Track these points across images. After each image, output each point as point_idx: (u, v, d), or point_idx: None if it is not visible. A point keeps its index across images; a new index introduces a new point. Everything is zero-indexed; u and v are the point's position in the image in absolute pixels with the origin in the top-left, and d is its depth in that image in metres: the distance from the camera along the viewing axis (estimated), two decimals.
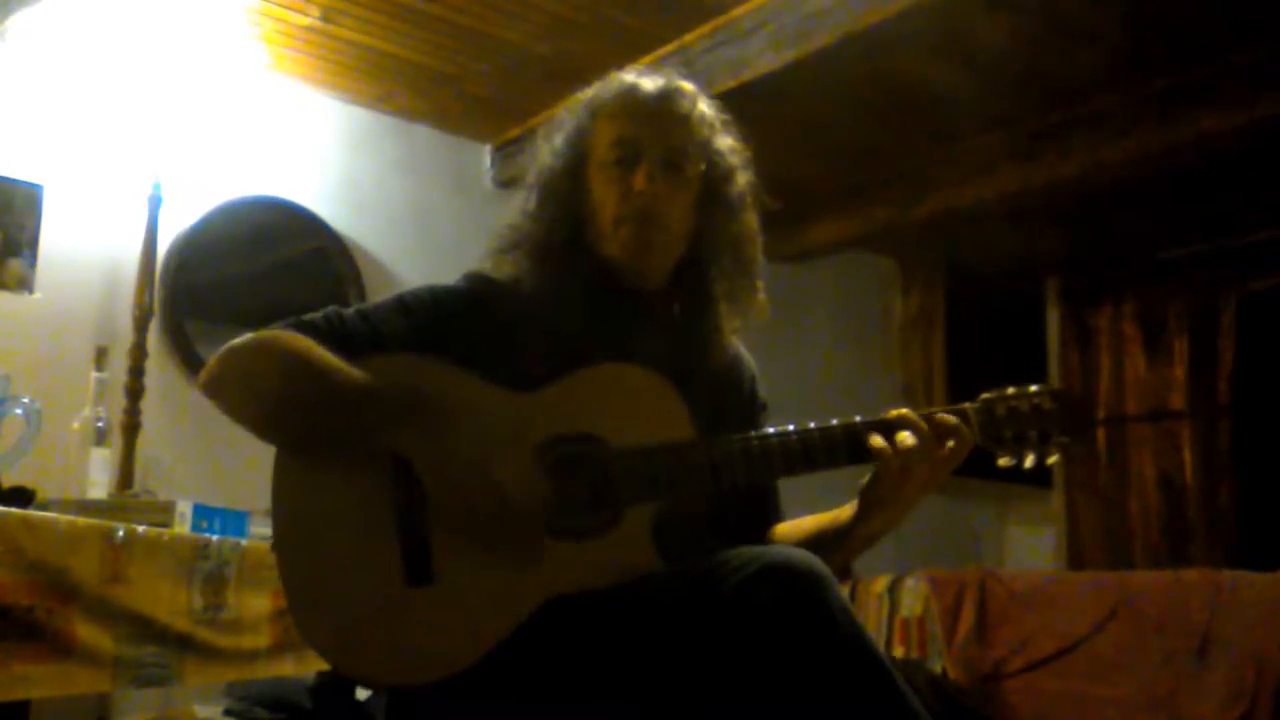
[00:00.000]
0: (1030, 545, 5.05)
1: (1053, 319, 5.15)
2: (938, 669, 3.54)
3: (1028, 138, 3.70)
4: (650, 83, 1.49)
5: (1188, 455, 4.63)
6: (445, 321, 1.44)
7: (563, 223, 1.49)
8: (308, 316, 1.42)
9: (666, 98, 1.48)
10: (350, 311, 1.43)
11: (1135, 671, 3.21)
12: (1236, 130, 3.29)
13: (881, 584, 3.79)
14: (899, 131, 3.78)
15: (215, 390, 1.39)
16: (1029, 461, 1.42)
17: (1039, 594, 3.55)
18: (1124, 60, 3.29)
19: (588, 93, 1.53)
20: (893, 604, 3.74)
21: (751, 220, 1.52)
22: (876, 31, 2.87)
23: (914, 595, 3.71)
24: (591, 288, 1.47)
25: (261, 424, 1.38)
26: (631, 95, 1.48)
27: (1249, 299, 4.61)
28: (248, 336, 1.38)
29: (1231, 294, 4.62)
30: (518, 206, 1.54)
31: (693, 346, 1.51)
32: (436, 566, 1.30)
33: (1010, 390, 1.43)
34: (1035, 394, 1.42)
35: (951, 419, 1.38)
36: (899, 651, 3.64)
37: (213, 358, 1.39)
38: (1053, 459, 1.42)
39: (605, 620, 1.27)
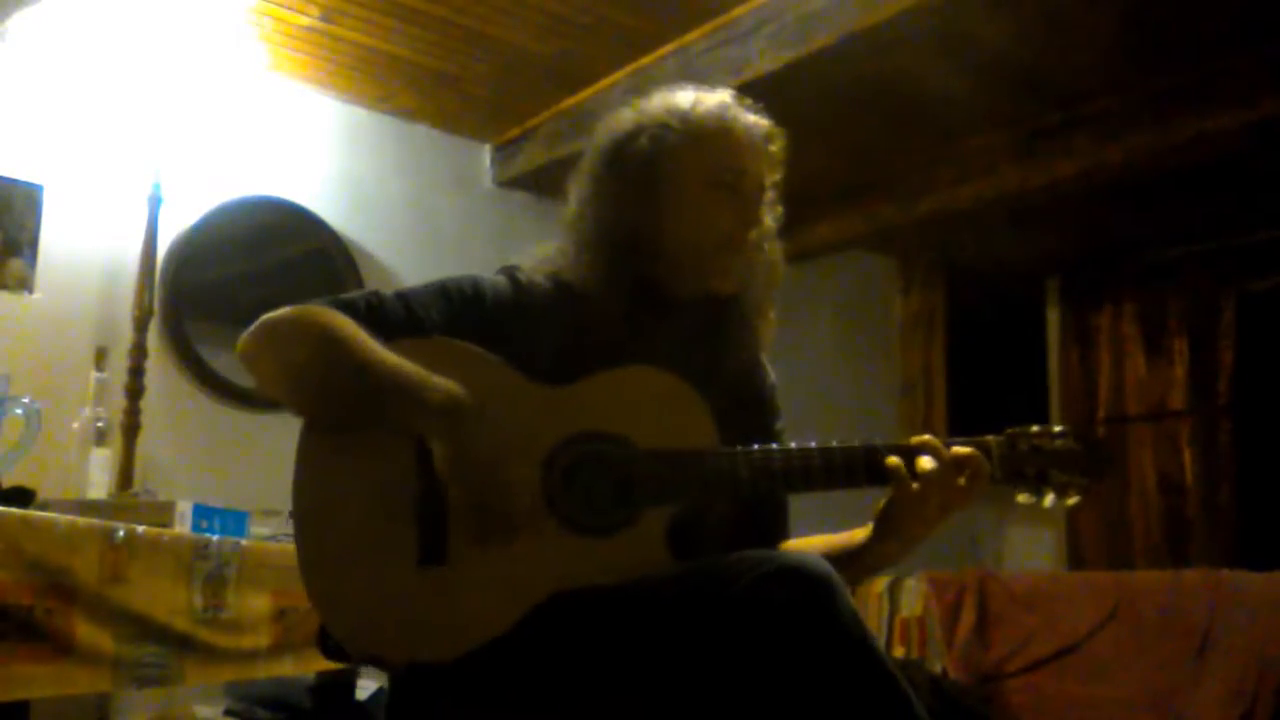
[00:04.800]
0: (1030, 545, 5.05)
1: (1053, 319, 5.15)
2: (938, 669, 3.54)
3: (1028, 138, 3.70)
4: (749, 115, 1.51)
5: (1188, 455, 4.63)
6: (484, 311, 1.44)
7: (627, 221, 1.48)
8: (347, 296, 1.43)
9: (768, 137, 1.52)
10: (390, 295, 1.44)
11: (1135, 671, 3.22)
12: (1236, 130, 3.28)
13: (881, 584, 3.79)
14: (899, 131, 3.78)
15: (251, 361, 1.40)
16: (1048, 501, 1.41)
17: (1039, 594, 3.55)
18: (1124, 60, 3.29)
19: (668, 100, 1.52)
20: (893, 604, 3.74)
21: (779, 250, 1.56)
22: (876, 32, 2.87)
23: (914, 595, 3.71)
24: (634, 290, 1.48)
25: (293, 399, 1.40)
26: (737, 124, 1.50)
27: (1249, 299, 4.61)
28: (288, 310, 1.39)
29: (1231, 294, 4.62)
30: (574, 190, 1.55)
31: (721, 358, 1.53)
32: (451, 549, 1.30)
33: (1034, 428, 1.43)
34: (1060, 433, 1.42)
35: (969, 450, 1.37)
36: (899, 651, 3.65)
37: (253, 327, 1.39)
38: (1072, 501, 1.41)
39: (613, 616, 1.27)
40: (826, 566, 1.18)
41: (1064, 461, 1.41)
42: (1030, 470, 1.41)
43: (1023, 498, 1.42)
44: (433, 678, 1.32)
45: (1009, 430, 1.43)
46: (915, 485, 1.34)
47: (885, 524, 1.39)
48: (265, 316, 1.39)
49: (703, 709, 1.19)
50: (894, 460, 1.35)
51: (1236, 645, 3.07)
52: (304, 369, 1.36)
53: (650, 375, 1.40)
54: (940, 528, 1.38)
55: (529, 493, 1.31)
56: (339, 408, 1.36)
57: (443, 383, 1.31)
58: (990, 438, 1.41)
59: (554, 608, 1.29)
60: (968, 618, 3.58)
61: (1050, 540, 5.00)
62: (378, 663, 1.37)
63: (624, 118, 1.54)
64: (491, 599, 1.29)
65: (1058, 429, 1.43)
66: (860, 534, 1.43)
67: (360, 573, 1.30)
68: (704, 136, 1.49)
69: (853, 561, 1.42)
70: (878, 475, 1.37)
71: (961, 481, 1.36)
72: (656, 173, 1.48)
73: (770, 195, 1.54)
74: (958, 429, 5.03)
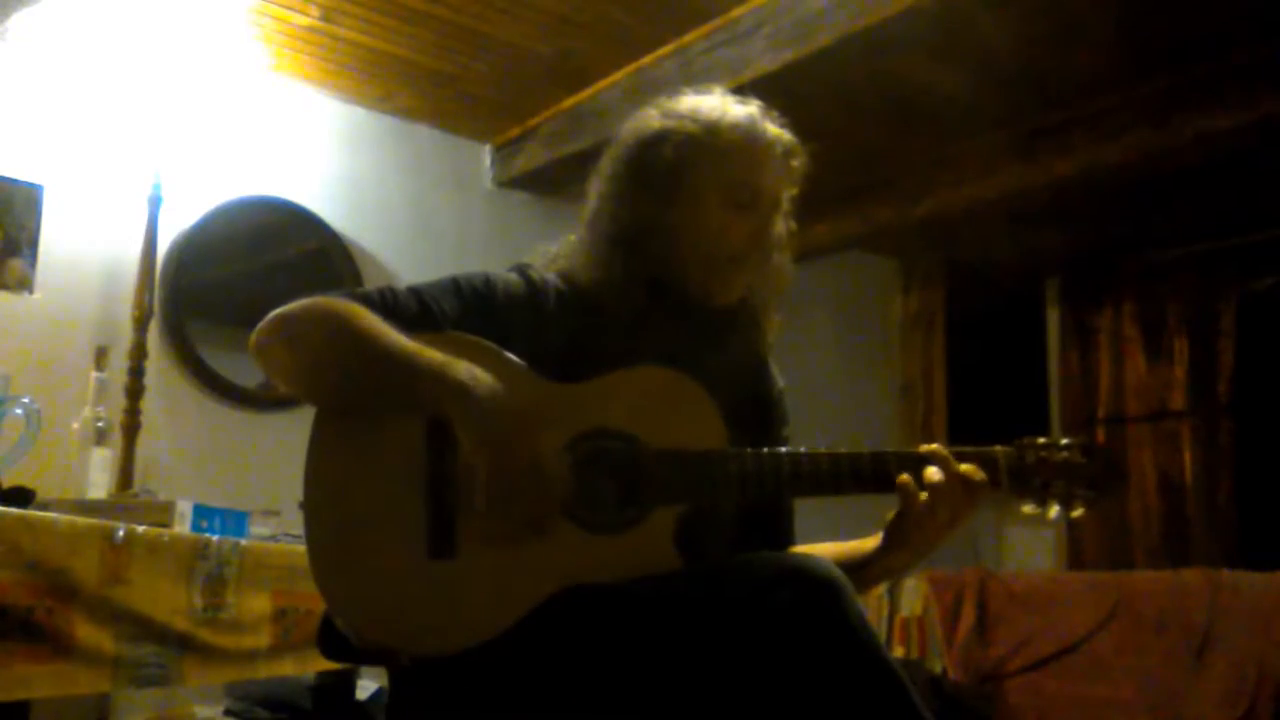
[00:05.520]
0: (1030, 545, 5.06)
1: (1053, 319, 5.15)
2: (938, 669, 3.54)
3: (1028, 138, 3.70)
4: (773, 130, 1.51)
5: (1188, 455, 4.63)
6: (496, 308, 1.44)
7: (642, 223, 1.49)
8: (361, 289, 1.43)
9: (790, 152, 1.52)
10: (404, 289, 1.44)
11: (1135, 671, 3.22)
12: (1236, 130, 3.28)
13: (881, 584, 3.79)
14: (899, 131, 3.78)
15: (265, 351, 1.39)
16: (1053, 513, 1.41)
17: (1039, 594, 3.55)
18: (1124, 60, 3.29)
19: (698, 102, 1.53)
20: (893, 604, 3.74)
21: (787, 257, 1.58)
22: (876, 32, 2.87)
23: (914, 595, 3.71)
24: (646, 291, 1.49)
25: (311, 387, 1.39)
26: (761, 140, 1.50)
27: (1249, 299, 4.61)
28: (303, 301, 1.38)
29: (1231, 294, 4.62)
30: (593, 186, 1.55)
31: (730, 359, 1.54)
32: (460, 542, 1.31)
33: (1041, 439, 1.42)
34: (1068, 446, 1.42)
35: (970, 467, 1.36)
36: (899, 651, 3.64)
37: (266, 319, 1.39)
38: (1077, 513, 1.41)
39: (619, 615, 1.27)
40: (833, 568, 1.18)
41: (1071, 474, 1.41)
42: (1036, 481, 1.41)
43: (1028, 508, 1.41)
44: (433, 676, 1.32)
45: (1017, 441, 1.42)
46: (924, 496, 1.34)
47: (894, 535, 1.38)
48: (278, 310, 1.39)
49: (709, 710, 1.19)
50: (904, 478, 1.35)
51: (1236, 645, 3.07)
52: (323, 354, 1.36)
53: (661, 375, 1.41)
54: (949, 539, 1.37)
55: (564, 470, 1.30)
56: (360, 392, 1.35)
57: (466, 365, 1.31)
58: (998, 448, 1.41)
59: (559, 605, 1.29)
60: (968, 618, 3.58)
61: (1050, 540, 5.00)
62: (382, 654, 1.36)
63: (650, 119, 1.54)
64: (498, 594, 1.29)
65: (1065, 441, 1.42)
66: (870, 544, 1.43)
67: (369, 564, 1.31)
68: (727, 151, 1.49)
69: (862, 571, 1.42)
70: (886, 483, 1.37)
71: (965, 494, 1.35)
72: (676, 181, 1.49)
73: (786, 208, 1.55)
74: (957, 429, 5.03)
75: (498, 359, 1.37)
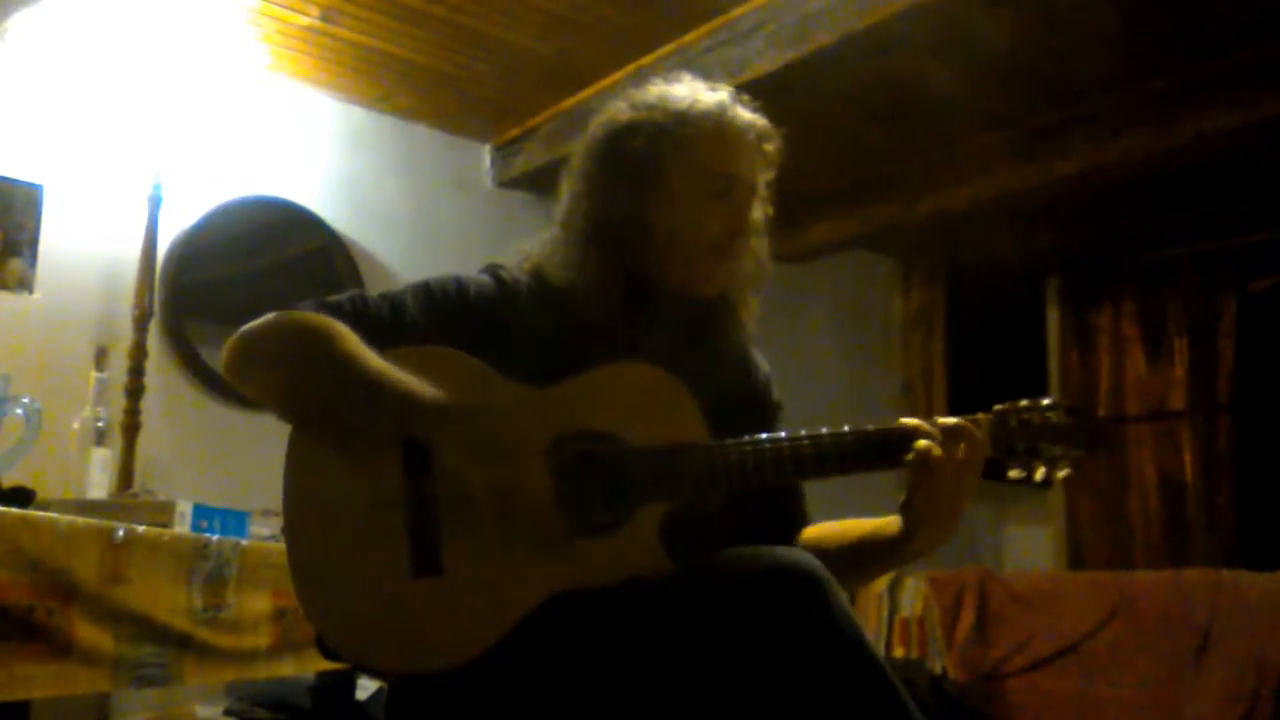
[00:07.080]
0: (1030, 545, 5.06)
1: (1053, 319, 5.15)
2: (938, 669, 3.54)
3: (1027, 138, 3.70)
4: (745, 115, 1.50)
5: (1188, 455, 4.63)
6: (468, 310, 1.43)
7: (617, 217, 1.48)
8: (333, 298, 1.41)
9: (763, 136, 1.50)
10: (375, 296, 1.43)
11: (1135, 671, 3.22)
12: (1236, 130, 3.28)
13: (881, 584, 3.79)
14: (899, 131, 3.78)
15: (239, 366, 1.39)
16: (1039, 475, 1.40)
17: (1039, 594, 3.56)
18: (1124, 60, 3.29)
19: (667, 91, 1.51)
20: (893, 604, 3.74)
21: (765, 246, 1.56)
22: (876, 31, 2.87)
23: (914, 595, 3.71)
24: (623, 286, 1.47)
25: (284, 404, 1.37)
26: (733, 126, 1.48)
27: (1249, 299, 4.61)
28: (273, 315, 1.37)
29: (1231, 294, 4.62)
30: (566, 182, 1.54)
31: (711, 352, 1.53)
32: (444, 558, 1.29)
33: (1024, 402, 1.42)
34: (1049, 407, 1.41)
35: (955, 420, 1.36)
36: (899, 652, 3.65)
37: (233, 337, 1.38)
38: (1063, 474, 1.41)
39: (607, 619, 1.26)
40: (816, 564, 1.17)
41: (1054, 435, 1.40)
42: (1021, 445, 1.40)
43: (1014, 473, 1.41)
44: (432, 679, 1.31)
45: (997, 407, 1.42)
46: (934, 453, 1.32)
47: (908, 516, 1.35)
48: (243, 329, 1.37)
49: (697, 710, 1.19)
50: (912, 455, 1.33)
51: (1236, 645, 3.08)
52: (295, 371, 1.35)
53: (637, 370, 1.40)
54: (966, 506, 1.35)
55: (543, 484, 1.30)
56: (330, 411, 1.33)
57: (433, 387, 1.30)
58: (980, 415, 1.40)
59: (550, 611, 1.28)
60: (968, 617, 3.58)
61: (1050, 540, 5.00)
62: (374, 673, 1.36)
63: (619, 111, 1.52)
64: (486, 607, 1.28)
65: (1046, 402, 1.42)
66: (893, 525, 1.39)
67: (353, 584, 1.29)
68: (699, 139, 1.47)
69: (887, 554, 1.40)
70: (873, 460, 1.36)
71: (961, 451, 1.33)
72: (649, 173, 1.47)
73: (762, 194, 1.53)
74: None
75: (472, 369, 1.36)
